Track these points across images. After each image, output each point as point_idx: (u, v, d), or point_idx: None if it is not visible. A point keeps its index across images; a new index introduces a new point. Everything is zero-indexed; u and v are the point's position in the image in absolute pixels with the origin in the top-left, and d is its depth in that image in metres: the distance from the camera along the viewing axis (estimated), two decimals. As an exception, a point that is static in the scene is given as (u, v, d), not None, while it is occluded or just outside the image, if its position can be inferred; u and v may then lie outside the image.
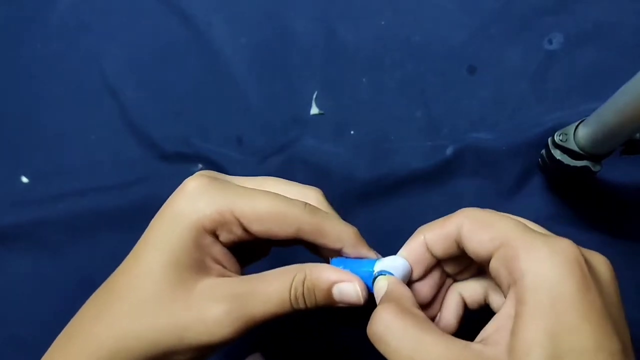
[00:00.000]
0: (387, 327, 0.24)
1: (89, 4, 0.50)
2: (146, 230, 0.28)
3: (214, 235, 0.27)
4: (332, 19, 0.44)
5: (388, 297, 0.25)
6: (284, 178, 0.41)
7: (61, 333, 0.30)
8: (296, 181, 0.41)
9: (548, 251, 0.22)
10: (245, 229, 0.27)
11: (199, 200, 0.27)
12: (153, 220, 0.28)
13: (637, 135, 0.30)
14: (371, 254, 0.29)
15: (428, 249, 0.27)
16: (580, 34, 0.39)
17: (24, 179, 0.47)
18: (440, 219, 0.27)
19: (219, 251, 0.28)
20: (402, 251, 0.29)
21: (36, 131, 0.48)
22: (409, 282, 0.28)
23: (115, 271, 0.29)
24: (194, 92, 0.45)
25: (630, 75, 0.26)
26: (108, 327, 0.26)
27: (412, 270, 0.28)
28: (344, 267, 0.28)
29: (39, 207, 0.45)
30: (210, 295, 0.26)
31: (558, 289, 0.21)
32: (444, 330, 0.24)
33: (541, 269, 0.22)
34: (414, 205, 0.39)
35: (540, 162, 0.36)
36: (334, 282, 0.27)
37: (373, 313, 0.24)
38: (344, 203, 0.41)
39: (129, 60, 0.47)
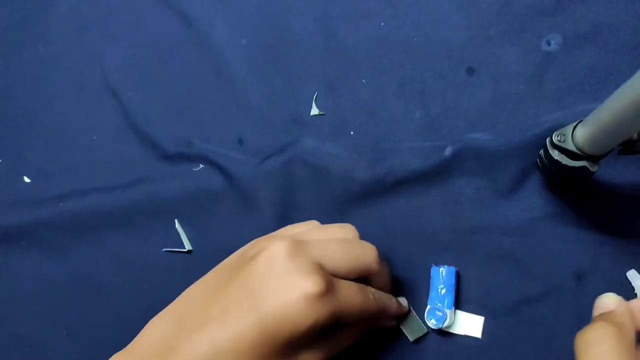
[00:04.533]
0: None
1: (90, 5, 0.50)
2: (249, 293, 0.30)
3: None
4: (332, 20, 0.44)
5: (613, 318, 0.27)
6: (284, 178, 0.41)
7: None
8: (296, 181, 0.42)
9: None
10: None
11: (315, 313, 0.29)
12: (254, 287, 0.30)
13: (635, 135, 0.30)
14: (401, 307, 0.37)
15: None
16: (578, 35, 0.39)
17: (26, 179, 0.47)
18: None
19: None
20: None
21: (38, 131, 0.48)
22: None
23: (193, 302, 0.32)
24: (195, 93, 0.46)
25: (628, 75, 0.26)
26: None
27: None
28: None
29: (41, 207, 0.45)
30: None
31: None
32: None
33: None
34: (413, 205, 0.39)
35: (539, 162, 0.36)
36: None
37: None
38: (344, 203, 0.41)
39: (130, 61, 0.48)
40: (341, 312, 0.31)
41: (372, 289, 0.34)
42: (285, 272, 0.30)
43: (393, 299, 0.36)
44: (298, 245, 0.31)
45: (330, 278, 0.31)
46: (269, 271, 0.30)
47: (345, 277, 0.32)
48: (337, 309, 0.30)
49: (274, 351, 0.29)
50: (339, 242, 0.33)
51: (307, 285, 0.29)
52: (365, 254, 0.33)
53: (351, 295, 0.31)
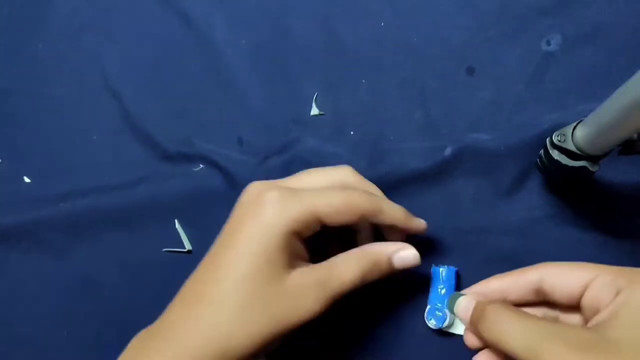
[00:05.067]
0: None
1: (91, 5, 0.50)
2: (226, 239, 0.32)
3: (298, 234, 0.32)
4: (332, 20, 0.44)
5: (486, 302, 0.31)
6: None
7: (139, 340, 0.32)
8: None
9: None
10: (322, 223, 0.32)
11: (286, 208, 0.31)
12: (234, 229, 0.32)
13: (635, 135, 0.30)
14: (421, 223, 0.35)
15: (503, 295, 0.32)
16: (578, 35, 0.39)
17: (26, 179, 0.47)
18: (516, 270, 0.32)
19: (301, 247, 0.33)
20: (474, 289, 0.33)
21: (38, 131, 0.48)
22: None
23: (197, 278, 0.33)
24: (195, 93, 0.46)
25: (628, 75, 0.26)
26: (211, 331, 0.30)
27: None
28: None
29: (41, 207, 0.45)
30: (300, 286, 0.31)
31: None
32: None
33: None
34: (412, 205, 0.39)
35: (539, 162, 0.36)
36: (393, 253, 0.34)
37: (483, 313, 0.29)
38: (344, 203, 0.41)
39: (130, 60, 0.48)
40: (317, 211, 0.31)
41: (365, 190, 0.34)
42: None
43: (403, 210, 0.35)
44: (289, 192, 0.32)
45: (281, 185, 0.32)
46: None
47: (342, 222, 0.33)
48: (311, 207, 0.31)
49: (274, 261, 0.30)
50: (336, 190, 0.33)
51: (264, 195, 0.31)
52: (362, 200, 0.33)
53: (324, 195, 0.32)
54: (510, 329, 0.27)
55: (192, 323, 0.30)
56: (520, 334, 0.27)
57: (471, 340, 0.32)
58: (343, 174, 0.35)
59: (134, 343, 0.33)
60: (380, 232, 0.37)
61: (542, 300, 0.31)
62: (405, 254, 0.34)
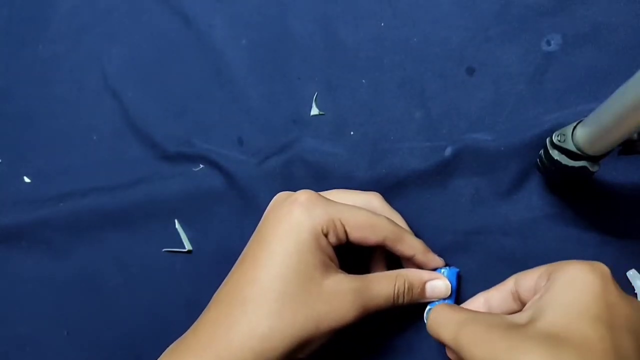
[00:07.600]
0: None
1: (91, 5, 0.50)
2: (258, 241, 0.33)
3: (326, 237, 0.33)
4: (332, 20, 0.44)
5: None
6: (284, 178, 0.41)
7: (177, 345, 0.32)
8: (296, 180, 0.42)
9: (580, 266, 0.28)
10: (346, 235, 0.33)
11: (314, 209, 0.32)
12: (266, 231, 0.33)
13: (635, 135, 0.30)
14: (439, 260, 0.37)
15: (488, 306, 0.34)
16: (578, 35, 0.39)
17: (26, 179, 0.47)
18: (499, 284, 0.34)
19: (331, 251, 0.33)
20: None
21: (38, 132, 0.48)
22: None
23: (230, 281, 0.33)
24: (195, 93, 0.46)
25: (627, 75, 0.26)
26: (249, 331, 0.30)
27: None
28: None
29: (41, 207, 0.45)
30: (337, 289, 0.32)
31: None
32: None
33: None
34: (412, 205, 0.39)
35: (539, 162, 0.36)
36: (428, 281, 0.36)
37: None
38: (344, 203, 0.41)
39: (130, 60, 0.48)
40: (342, 218, 0.33)
41: (389, 218, 0.35)
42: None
43: (423, 244, 0.36)
44: (319, 196, 0.34)
45: (317, 193, 0.34)
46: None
47: (364, 240, 0.34)
48: (338, 214, 0.33)
49: (307, 260, 0.31)
50: (362, 209, 0.35)
51: (297, 198, 0.33)
52: (385, 224, 0.34)
53: (352, 209, 0.34)
54: (441, 323, 0.30)
55: (228, 326, 0.31)
56: (446, 325, 0.30)
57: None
58: (371, 199, 0.37)
59: (167, 353, 0.32)
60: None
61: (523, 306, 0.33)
62: (439, 284, 0.36)
